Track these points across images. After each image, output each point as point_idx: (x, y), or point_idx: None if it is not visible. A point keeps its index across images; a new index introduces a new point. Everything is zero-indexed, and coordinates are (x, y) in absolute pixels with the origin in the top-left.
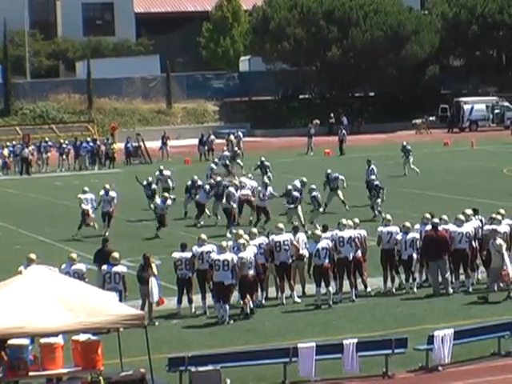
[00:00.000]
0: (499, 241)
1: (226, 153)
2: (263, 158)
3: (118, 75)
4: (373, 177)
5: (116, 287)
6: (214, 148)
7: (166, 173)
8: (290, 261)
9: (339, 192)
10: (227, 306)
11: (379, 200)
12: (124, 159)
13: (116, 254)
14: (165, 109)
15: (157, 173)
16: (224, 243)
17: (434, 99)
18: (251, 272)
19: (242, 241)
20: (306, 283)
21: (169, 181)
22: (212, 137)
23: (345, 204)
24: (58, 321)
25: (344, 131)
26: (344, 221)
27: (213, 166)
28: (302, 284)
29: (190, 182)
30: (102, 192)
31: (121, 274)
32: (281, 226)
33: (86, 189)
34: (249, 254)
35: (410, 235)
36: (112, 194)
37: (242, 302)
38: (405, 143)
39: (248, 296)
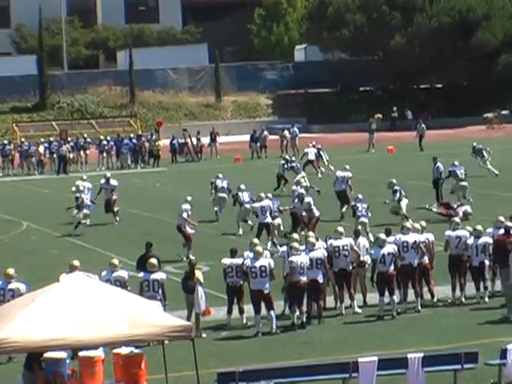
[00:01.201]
0: None
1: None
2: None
3: (163, 66)
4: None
5: (155, 296)
6: (268, 145)
7: (113, 182)
8: (350, 267)
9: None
10: (273, 313)
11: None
12: (170, 157)
13: (153, 260)
14: (213, 102)
15: (102, 180)
16: (260, 248)
17: (506, 91)
18: (303, 278)
19: (294, 244)
20: (367, 292)
21: (114, 193)
22: (265, 133)
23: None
24: (97, 332)
25: (423, 125)
26: (408, 224)
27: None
28: (362, 293)
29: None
30: (103, 180)
31: (160, 282)
32: (340, 229)
33: (85, 177)
34: (301, 258)
35: (482, 240)
36: (113, 182)
37: (289, 312)
38: (475, 144)
39: (299, 305)
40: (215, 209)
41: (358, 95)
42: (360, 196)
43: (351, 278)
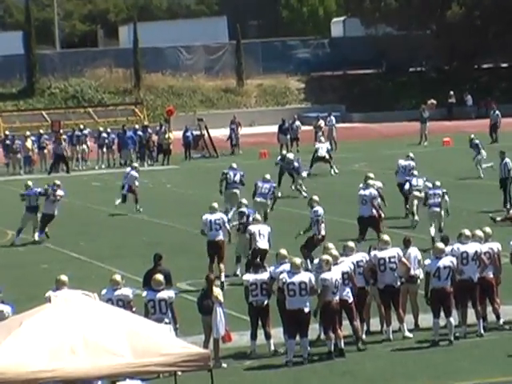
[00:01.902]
0: None
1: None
2: None
3: (174, 43)
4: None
5: (162, 318)
6: (300, 137)
7: (60, 193)
8: (399, 283)
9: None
10: (306, 341)
11: None
12: (183, 152)
13: (159, 277)
14: (234, 86)
15: (47, 188)
16: (298, 260)
17: None
18: (336, 298)
19: (326, 257)
20: (419, 312)
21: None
22: (297, 123)
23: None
24: (96, 362)
25: (497, 112)
26: (467, 231)
27: None
28: (414, 314)
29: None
30: (129, 168)
31: (167, 302)
32: (386, 238)
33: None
34: (334, 274)
35: None
36: (134, 173)
37: (324, 337)
38: None
39: (334, 329)
40: (227, 206)
41: (408, 77)
42: (438, 183)
43: (400, 296)
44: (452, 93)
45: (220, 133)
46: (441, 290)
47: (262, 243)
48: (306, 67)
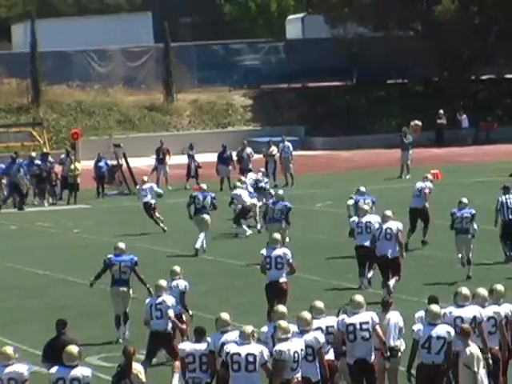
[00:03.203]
0: None
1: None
2: None
3: (83, 46)
4: None
5: None
6: (252, 168)
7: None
8: (373, 357)
9: None
10: None
11: None
12: (94, 188)
13: (74, 349)
14: (161, 103)
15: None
16: (249, 328)
17: None
18: (298, 375)
19: (284, 324)
20: None
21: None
22: (248, 150)
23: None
24: None
25: None
26: (465, 290)
27: None
28: None
29: None
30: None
31: (82, 382)
32: (358, 298)
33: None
34: (295, 346)
35: None
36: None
37: None
38: None
39: None
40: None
41: (386, 91)
42: (465, 200)
43: (375, 373)
44: (442, 111)
45: (143, 162)
46: (430, 366)
47: None
48: (254, 78)
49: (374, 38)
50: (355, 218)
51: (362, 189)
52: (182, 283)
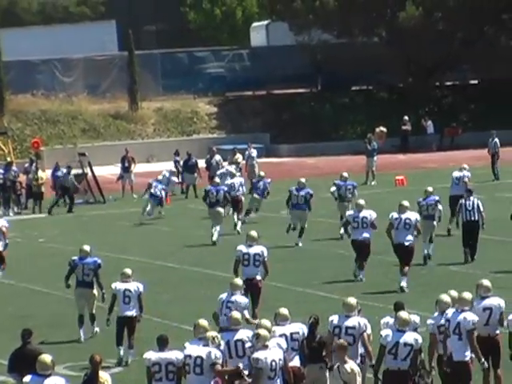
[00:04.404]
0: None
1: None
2: None
3: (47, 55)
4: None
5: None
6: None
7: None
8: (358, 362)
9: None
10: None
11: None
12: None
13: (47, 358)
14: (126, 111)
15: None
16: (211, 333)
17: None
18: None
19: (264, 332)
20: None
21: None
22: (217, 157)
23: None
24: None
25: (496, 139)
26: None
27: None
28: None
29: None
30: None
31: None
32: (351, 301)
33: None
34: (272, 354)
35: None
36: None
37: None
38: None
39: None
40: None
41: (350, 98)
42: (430, 189)
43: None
44: (407, 118)
45: (108, 171)
46: (396, 372)
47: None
48: (219, 86)
49: (338, 44)
50: (351, 212)
51: (345, 174)
52: (140, 286)
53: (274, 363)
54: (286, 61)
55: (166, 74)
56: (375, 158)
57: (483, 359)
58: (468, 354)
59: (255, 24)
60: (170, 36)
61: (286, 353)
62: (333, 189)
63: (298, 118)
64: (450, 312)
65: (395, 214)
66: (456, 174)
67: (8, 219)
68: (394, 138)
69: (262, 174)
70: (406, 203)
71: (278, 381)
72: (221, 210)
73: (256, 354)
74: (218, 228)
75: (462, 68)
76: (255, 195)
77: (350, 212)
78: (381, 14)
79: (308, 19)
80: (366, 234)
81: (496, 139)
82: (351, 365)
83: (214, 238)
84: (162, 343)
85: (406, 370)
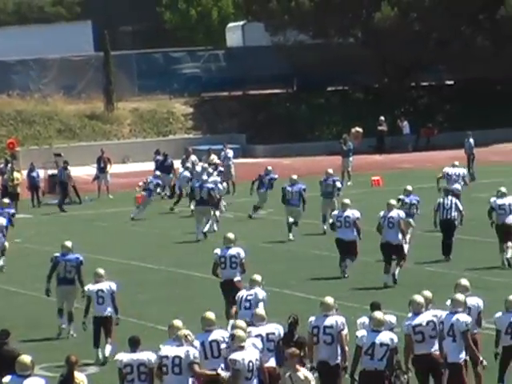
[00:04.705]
0: None
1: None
2: None
3: (23, 56)
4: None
5: None
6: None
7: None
8: (338, 361)
9: None
10: None
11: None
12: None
13: (26, 358)
14: (102, 111)
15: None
16: (183, 331)
17: None
18: None
19: (240, 333)
20: None
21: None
22: (193, 158)
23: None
24: None
25: (471, 141)
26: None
27: None
28: None
29: None
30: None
31: None
32: (328, 300)
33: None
34: (249, 355)
35: None
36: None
37: None
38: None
39: None
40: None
41: (326, 98)
42: (409, 187)
43: (337, 376)
44: (383, 118)
45: (84, 172)
46: (372, 372)
47: None
48: (195, 86)
49: (314, 45)
50: (336, 212)
51: (330, 171)
52: (112, 285)
53: (250, 364)
54: (262, 61)
55: (142, 75)
56: (351, 158)
57: (481, 358)
58: (462, 356)
59: (231, 24)
60: (146, 36)
61: (261, 353)
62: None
63: (274, 118)
64: (443, 314)
65: (382, 213)
66: (450, 170)
67: None
68: (370, 139)
69: (270, 168)
70: (393, 201)
71: (255, 381)
72: (207, 207)
73: (233, 355)
74: (209, 222)
75: (438, 68)
76: (262, 190)
77: (335, 212)
78: (356, 15)
79: (284, 20)
80: (348, 233)
81: (471, 140)
82: (304, 372)
83: (205, 230)
84: (134, 344)
85: (382, 370)
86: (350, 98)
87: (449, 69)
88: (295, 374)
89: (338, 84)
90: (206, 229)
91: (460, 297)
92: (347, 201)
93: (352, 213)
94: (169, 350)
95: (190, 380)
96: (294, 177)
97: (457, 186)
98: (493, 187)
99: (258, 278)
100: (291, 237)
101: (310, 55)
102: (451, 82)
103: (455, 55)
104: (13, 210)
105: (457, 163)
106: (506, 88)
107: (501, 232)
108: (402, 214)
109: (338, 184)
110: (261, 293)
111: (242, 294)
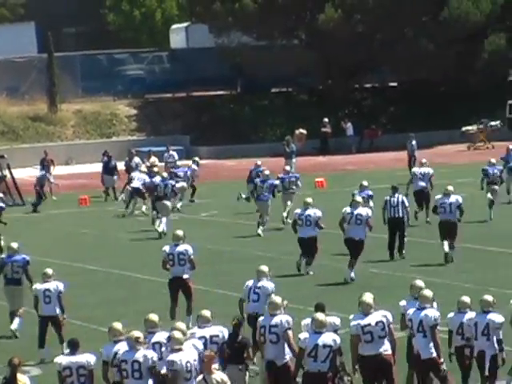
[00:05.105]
0: None
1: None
2: None
3: None
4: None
5: None
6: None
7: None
8: (285, 360)
9: None
10: None
11: None
12: None
13: None
14: (45, 113)
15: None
16: (135, 333)
17: (497, 91)
18: None
19: (177, 334)
20: None
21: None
22: (137, 159)
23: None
24: None
25: (414, 142)
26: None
27: None
28: None
29: None
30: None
31: None
32: (276, 300)
33: None
34: (187, 356)
35: None
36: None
37: None
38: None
39: None
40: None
41: (270, 100)
42: (365, 183)
43: (286, 374)
44: (327, 120)
45: (27, 173)
46: (316, 374)
47: None
48: (138, 88)
49: (258, 47)
50: (298, 210)
51: (287, 168)
52: (59, 285)
53: (189, 364)
54: (206, 63)
55: (86, 76)
56: (294, 160)
57: (442, 359)
58: (434, 351)
59: (175, 26)
60: (90, 38)
61: (202, 354)
62: (277, 182)
63: (218, 120)
64: (411, 311)
65: (348, 209)
66: (418, 170)
67: None
68: (314, 140)
69: (267, 172)
70: (358, 198)
71: (195, 382)
72: (167, 203)
73: (171, 357)
74: (164, 220)
75: (382, 70)
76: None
77: (297, 210)
78: (300, 16)
79: (227, 21)
80: (309, 232)
81: (413, 142)
82: (219, 375)
83: (160, 229)
84: (73, 347)
85: (325, 371)
86: (294, 100)
87: (392, 70)
88: (210, 376)
89: (282, 86)
90: (160, 228)
91: (427, 292)
92: (310, 200)
93: (314, 212)
94: (126, 355)
95: (151, 383)
96: (267, 172)
97: (422, 183)
98: (436, 189)
99: (265, 268)
100: (260, 232)
101: (253, 57)
102: (395, 84)
103: (399, 57)
104: None
105: (424, 160)
106: (449, 90)
107: (443, 230)
108: (369, 212)
109: (299, 183)
110: (269, 285)
111: (250, 285)
